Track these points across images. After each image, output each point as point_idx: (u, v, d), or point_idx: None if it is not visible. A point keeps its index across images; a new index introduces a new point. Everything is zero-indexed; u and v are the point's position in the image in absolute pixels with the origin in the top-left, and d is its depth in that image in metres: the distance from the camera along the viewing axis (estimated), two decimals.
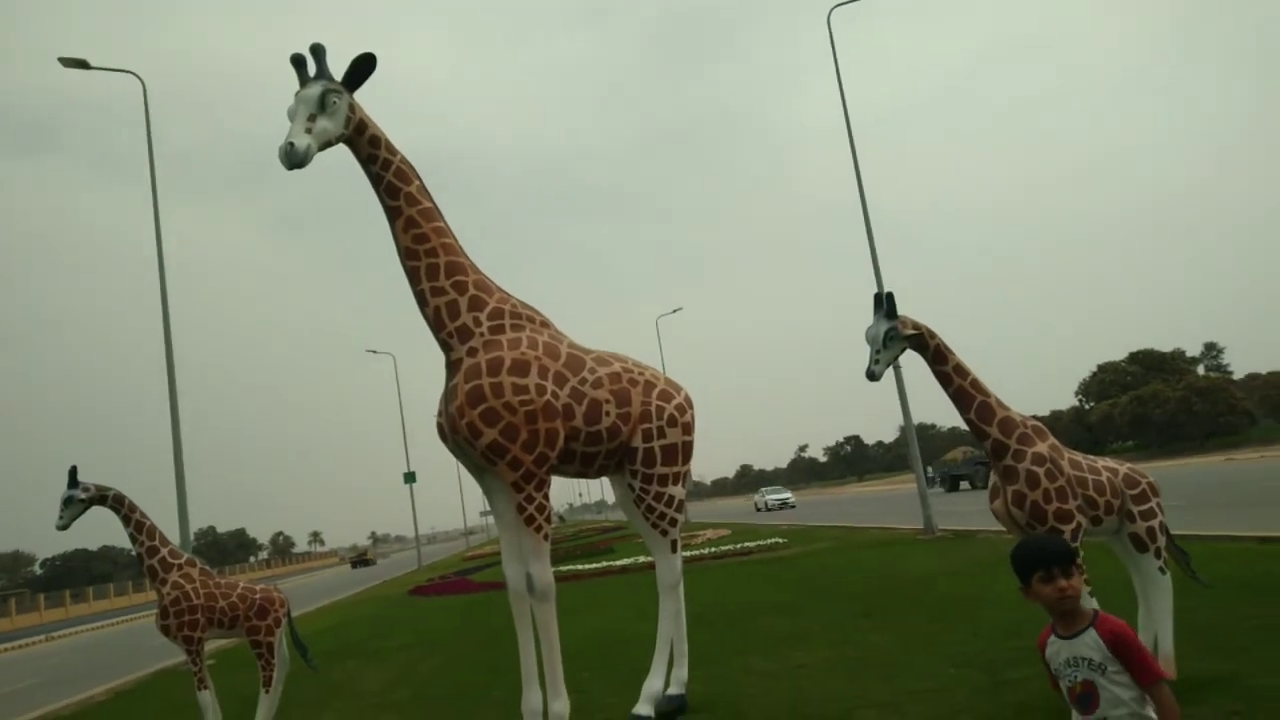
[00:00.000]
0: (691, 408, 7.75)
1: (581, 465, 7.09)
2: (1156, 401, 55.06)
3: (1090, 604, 2.97)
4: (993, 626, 9.04)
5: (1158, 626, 6.13)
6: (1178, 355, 66.70)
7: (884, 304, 6.35)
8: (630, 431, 7.22)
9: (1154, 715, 2.76)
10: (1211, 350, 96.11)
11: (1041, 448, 6.15)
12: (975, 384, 6.33)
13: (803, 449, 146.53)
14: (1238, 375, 72.43)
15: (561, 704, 6.56)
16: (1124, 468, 6.44)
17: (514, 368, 6.61)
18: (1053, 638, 2.97)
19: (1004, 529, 6.44)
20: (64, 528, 8.10)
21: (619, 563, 24.86)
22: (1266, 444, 46.98)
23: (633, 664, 9.57)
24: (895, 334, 6.31)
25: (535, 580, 6.62)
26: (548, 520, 6.76)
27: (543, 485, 6.68)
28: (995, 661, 7.49)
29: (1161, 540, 6.26)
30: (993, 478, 6.36)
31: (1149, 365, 63.32)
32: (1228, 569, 9.81)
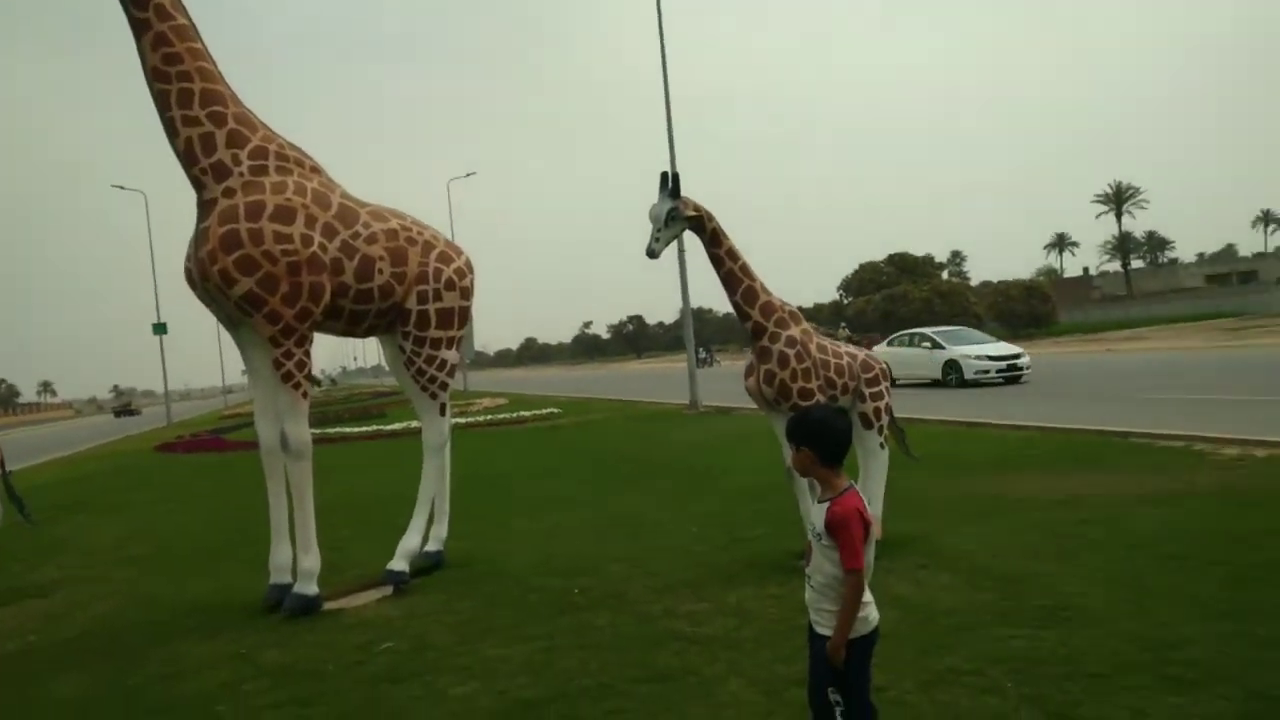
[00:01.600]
0: (472, 272, 7.57)
1: (349, 323, 6.78)
2: (904, 300, 60.85)
3: (844, 483, 3.20)
4: (736, 492, 9.87)
5: (872, 494, 6.93)
6: (928, 260, 73.67)
7: (668, 184, 6.45)
8: (405, 292, 6.97)
9: (827, 591, 3.14)
10: (956, 258, 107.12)
11: (795, 332, 6.63)
12: (745, 269, 6.66)
13: (587, 325, 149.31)
14: (974, 282, 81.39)
15: (311, 560, 6.46)
16: (862, 353, 7.08)
17: (277, 214, 6.10)
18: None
19: (757, 406, 6.96)
20: None
21: (390, 427, 24.48)
22: None
23: (394, 524, 9.55)
24: (677, 214, 6.45)
25: (291, 439, 6.37)
26: (308, 378, 6.46)
27: (304, 341, 6.34)
28: (734, 523, 8.21)
29: (885, 419, 7.02)
30: (749, 356, 6.80)
31: (903, 267, 69.55)
32: (936, 448, 11.22)
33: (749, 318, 6.60)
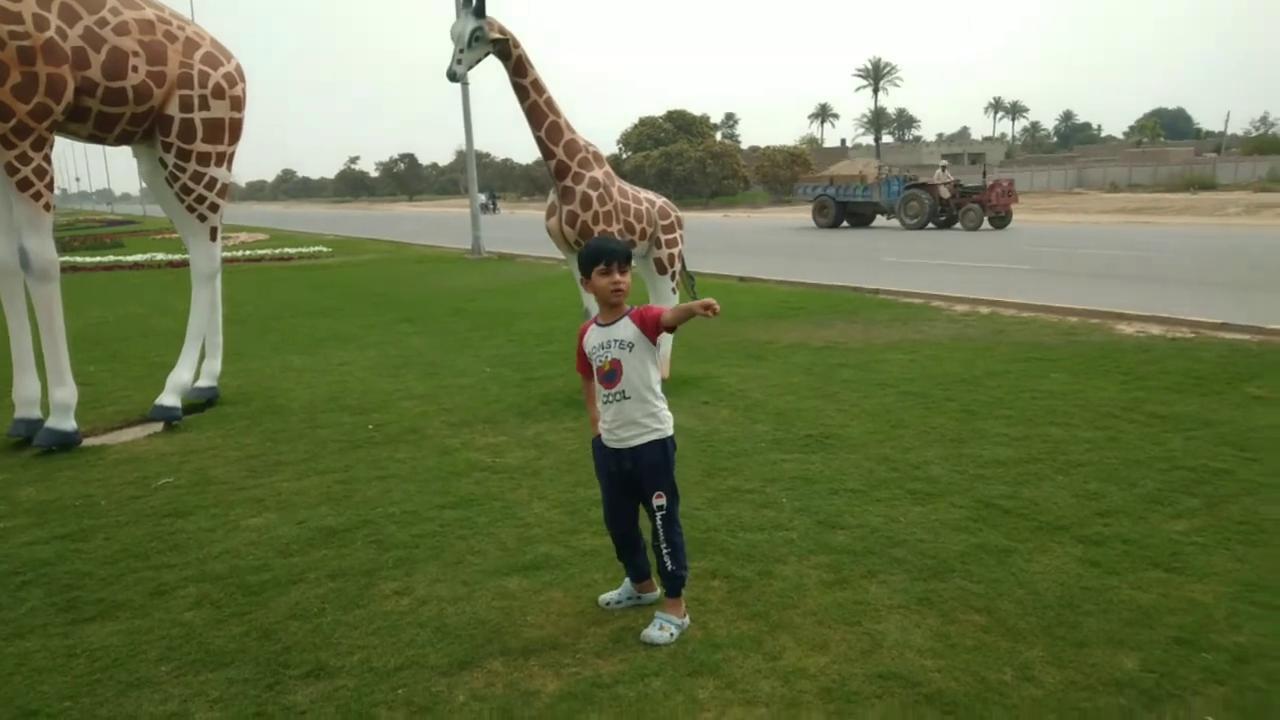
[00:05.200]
0: (243, 80, 6.78)
1: (98, 127, 5.90)
2: (680, 159, 62.10)
3: (628, 306, 3.38)
4: (527, 334, 9.97)
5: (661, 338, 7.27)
6: (704, 120, 75.13)
7: (472, 1, 6.03)
8: (165, 96, 6.14)
9: (656, 400, 3.35)
10: (730, 120, 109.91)
11: (598, 173, 6.61)
12: (549, 103, 6.47)
13: (354, 161, 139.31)
14: (745, 146, 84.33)
15: (65, 392, 5.85)
16: (660, 200, 7.24)
17: None
18: (594, 327, 3.37)
19: (547, 253, 6.96)
20: None
21: (130, 258, 21.98)
22: (754, 206, 56.44)
23: (149, 359, 8.83)
24: (481, 35, 6.08)
25: (32, 256, 5.58)
26: (49, 187, 5.62)
27: (43, 144, 5.48)
28: (527, 363, 8.33)
29: (678, 266, 7.30)
30: (551, 196, 6.73)
31: (680, 125, 70.43)
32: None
33: (553, 155, 6.48)
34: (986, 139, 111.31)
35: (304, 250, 24.38)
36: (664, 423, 3.32)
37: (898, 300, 11.78)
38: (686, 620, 3.28)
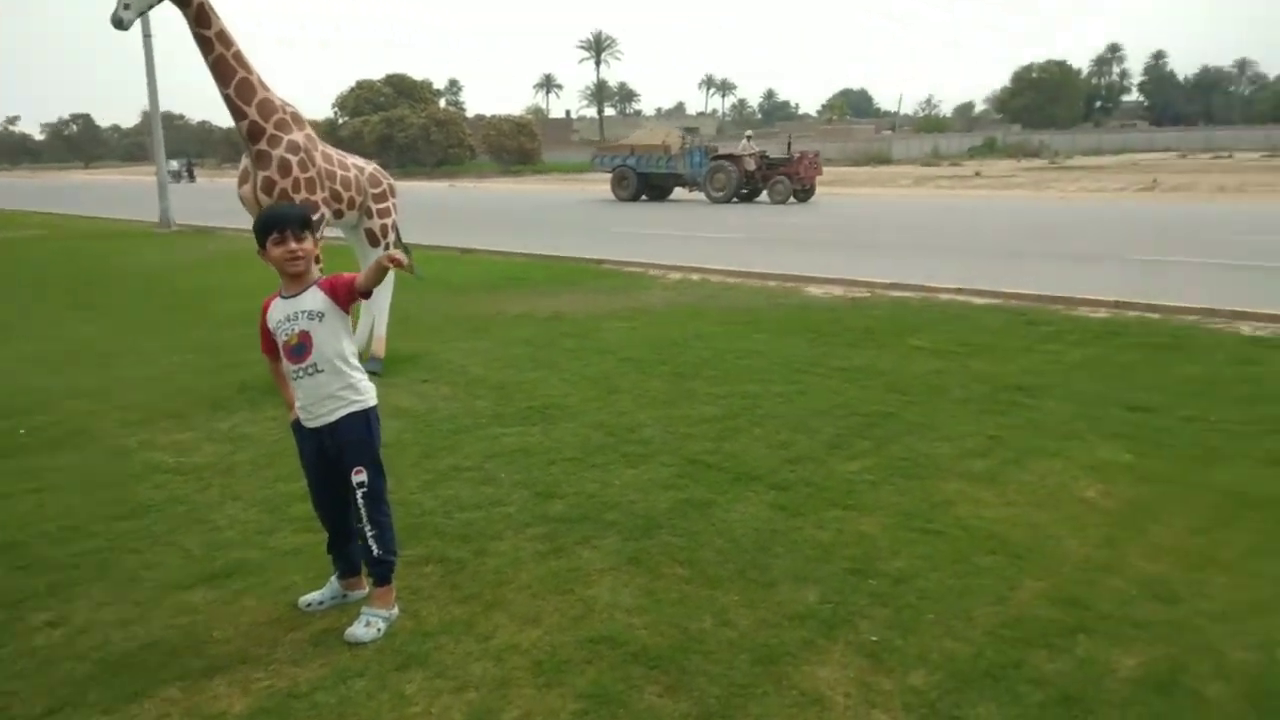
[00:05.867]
0: None
1: None
2: (402, 125, 59.55)
3: (318, 276, 3.14)
4: (225, 316, 9.07)
5: (376, 313, 6.91)
6: (426, 85, 72.55)
7: None
8: None
9: (352, 371, 3.14)
10: (454, 87, 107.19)
11: (298, 136, 6.07)
12: (239, 57, 5.84)
13: (12, 121, 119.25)
14: (470, 114, 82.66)
15: None
16: (370, 167, 6.82)
17: None
18: (277, 300, 3.09)
19: (249, 225, 6.34)
20: None
21: None
22: (481, 176, 55.61)
23: None
24: None
25: None
26: None
27: None
28: (223, 348, 7.58)
29: (392, 237, 6.94)
30: (244, 161, 6.11)
31: (401, 90, 67.40)
32: (431, 271, 11.53)
33: (244, 116, 5.86)
34: (701, 114, 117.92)
35: None
36: (363, 394, 3.14)
37: (620, 269, 12.13)
38: (395, 612, 3.13)
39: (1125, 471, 4.35)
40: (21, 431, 5.36)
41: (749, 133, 30.89)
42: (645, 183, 27.94)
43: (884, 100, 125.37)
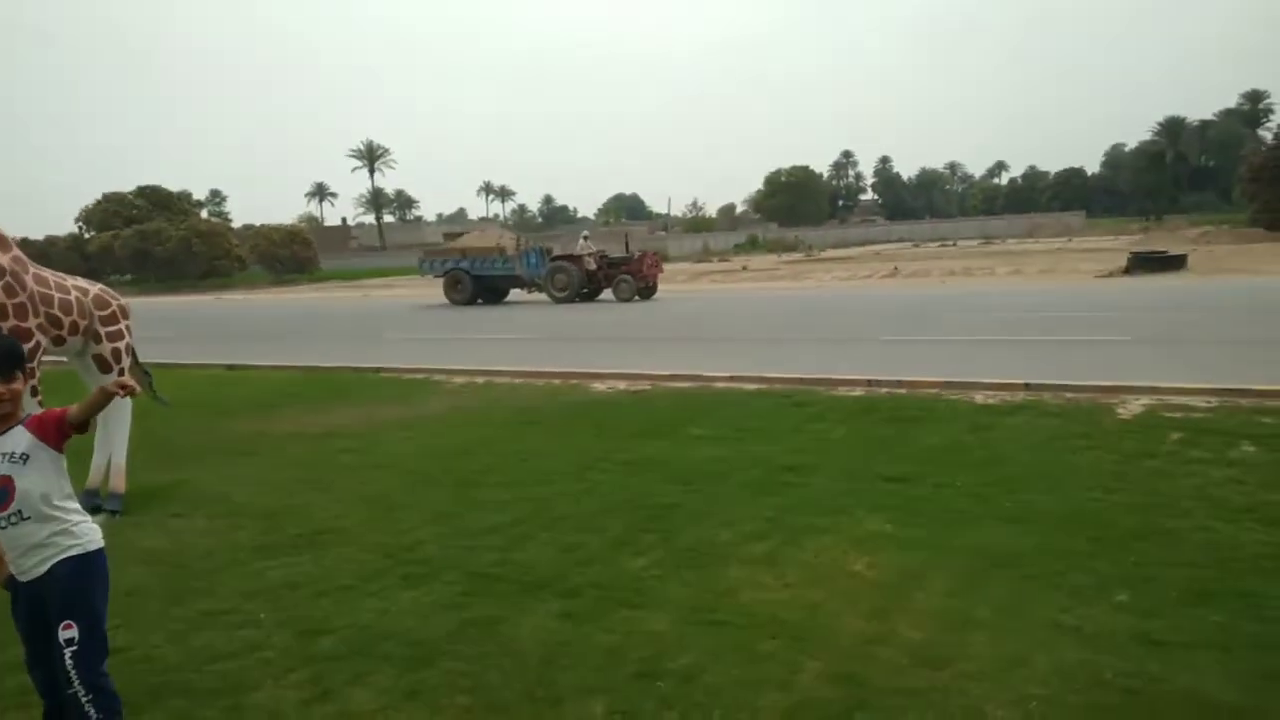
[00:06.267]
0: None
1: None
2: (159, 238, 55.53)
3: (33, 409, 2.79)
4: None
5: (113, 445, 6.19)
6: (184, 196, 68.64)
7: None
8: None
9: (66, 515, 2.76)
10: (216, 197, 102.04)
11: (3, 259, 5.44)
12: None
13: None
14: (237, 224, 78.71)
15: None
16: (95, 288, 6.21)
17: None
18: None
19: None
20: None
21: None
22: (251, 287, 52.61)
23: None
24: None
25: None
26: None
27: None
28: None
29: (126, 361, 6.30)
30: None
31: (156, 202, 63.19)
32: (194, 392, 10.62)
33: None
34: (482, 219, 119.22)
35: None
36: (80, 537, 2.79)
37: (400, 377, 11.72)
38: None
39: (888, 541, 4.63)
40: None
41: (585, 233, 30.66)
42: (480, 285, 27.26)
43: (653, 203, 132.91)
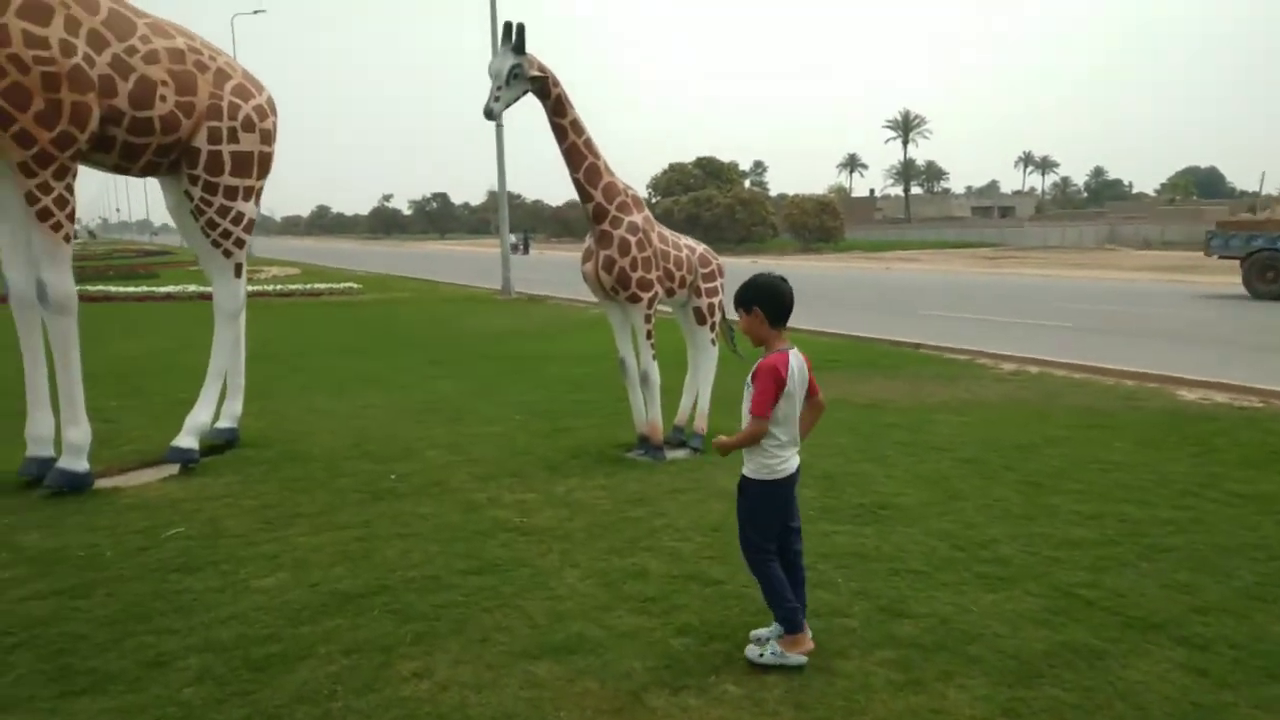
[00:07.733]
0: (275, 114, 6.63)
1: (122, 158, 5.73)
2: (709, 205, 62.25)
3: (784, 344, 3.52)
4: (557, 381, 9.66)
5: (700, 387, 6.94)
6: (732, 167, 75.69)
7: (513, 36, 5.84)
8: (193, 128, 5.98)
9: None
10: (759, 168, 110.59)
11: (637, 218, 6.34)
12: (589, 144, 6.23)
13: (387, 199, 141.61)
14: (773, 193, 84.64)
15: (79, 432, 5.59)
16: (700, 248, 6.95)
17: (27, 9, 4.96)
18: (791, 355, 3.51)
19: (578, 295, 6.68)
20: None
21: (163, 289, 22.07)
22: (781, 253, 56.34)
23: (171, 395, 8.59)
24: (520, 72, 5.87)
25: (50, 289, 5.37)
26: (70, 218, 5.43)
27: (65, 173, 5.30)
28: (556, 412, 8.01)
29: (718, 316, 6.98)
30: (588, 239, 6.46)
31: (710, 171, 70.84)
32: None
33: (590, 199, 6.22)
34: (1016, 193, 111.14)
35: (335, 286, 24.37)
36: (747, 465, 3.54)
37: (941, 355, 11.37)
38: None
39: None
40: (393, 477, 5.93)
41: None
42: None
43: (1239, 178, 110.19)
